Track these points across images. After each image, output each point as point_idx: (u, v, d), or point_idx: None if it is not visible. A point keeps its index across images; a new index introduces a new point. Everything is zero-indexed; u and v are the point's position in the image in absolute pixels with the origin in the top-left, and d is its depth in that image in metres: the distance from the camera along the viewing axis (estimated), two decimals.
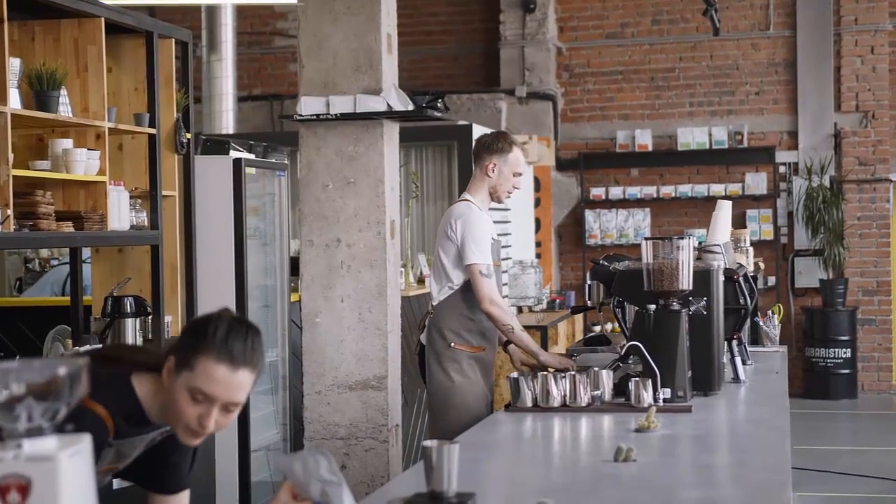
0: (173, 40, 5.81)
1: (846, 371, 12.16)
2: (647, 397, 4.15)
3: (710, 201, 12.43)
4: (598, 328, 12.29)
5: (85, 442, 1.78)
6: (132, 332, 5.35)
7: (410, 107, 5.67)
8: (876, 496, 8.04)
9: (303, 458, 2.52)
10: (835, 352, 12.12)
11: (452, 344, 5.14)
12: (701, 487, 3.07)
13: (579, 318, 11.11)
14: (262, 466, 6.57)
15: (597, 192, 12.83)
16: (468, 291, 5.12)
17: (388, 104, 5.61)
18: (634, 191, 12.75)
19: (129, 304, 5.35)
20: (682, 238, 4.39)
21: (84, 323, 5.52)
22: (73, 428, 2.14)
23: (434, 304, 5.26)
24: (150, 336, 5.53)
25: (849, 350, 12.14)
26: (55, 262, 8.70)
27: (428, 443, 2.73)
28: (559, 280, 12.93)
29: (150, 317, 5.50)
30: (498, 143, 5.25)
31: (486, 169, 5.21)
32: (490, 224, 5.24)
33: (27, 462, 1.70)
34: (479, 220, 5.13)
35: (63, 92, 4.86)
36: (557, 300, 10.99)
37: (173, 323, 5.77)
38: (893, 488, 8.21)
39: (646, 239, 4.44)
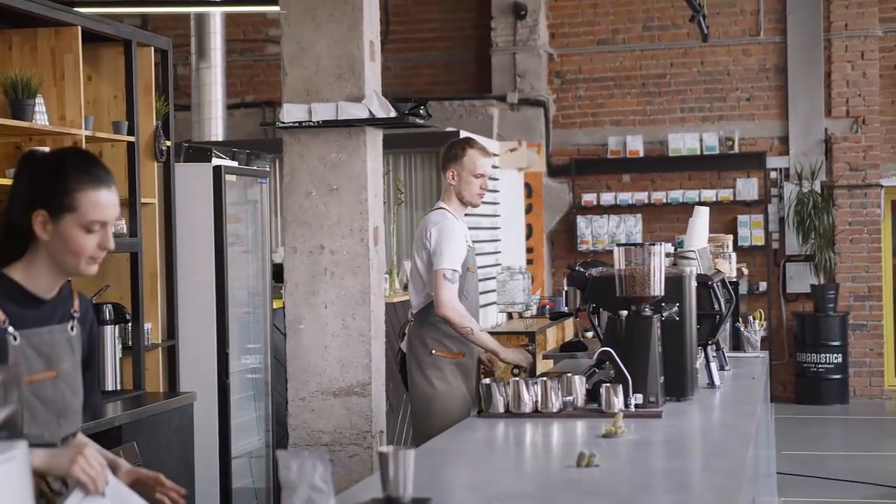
0: (152, 48, 5.83)
1: (837, 376, 12.17)
2: (618, 403, 4.16)
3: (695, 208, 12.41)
4: (590, 334, 12.30)
5: (20, 449, 1.79)
6: (111, 339, 5.36)
7: (392, 114, 5.68)
8: (866, 501, 8.05)
9: (302, 458, 2.55)
10: (826, 357, 12.13)
11: (434, 351, 5.22)
12: (657, 492, 3.08)
13: (569, 323, 11.12)
14: (244, 473, 6.58)
15: (588, 198, 12.85)
16: None
17: (370, 111, 5.63)
18: (626, 197, 12.77)
19: (108, 312, 5.36)
20: (654, 244, 4.40)
21: None
22: None
23: (414, 311, 5.34)
24: (129, 343, 5.54)
25: (840, 355, 12.15)
26: None
27: (383, 449, 2.75)
28: (551, 286, 12.95)
29: (129, 324, 5.51)
30: (452, 150, 5.38)
31: (448, 177, 5.35)
32: (464, 231, 5.30)
33: None
34: (454, 228, 5.22)
35: (39, 100, 4.88)
36: (548, 306, 11.00)
37: (153, 330, 5.78)
38: (884, 493, 8.22)
39: (618, 245, 4.45)
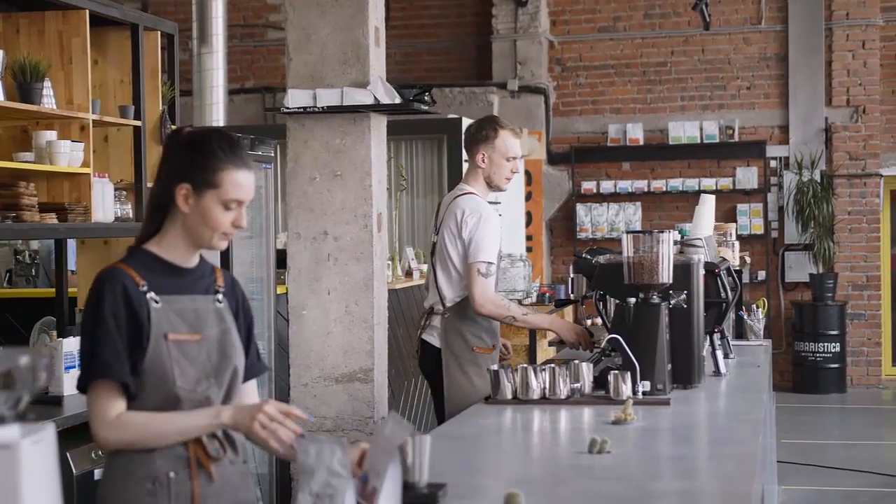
0: (159, 32, 5.81)
1: (835, 365, 12.20)
2: (626, 390, 4.17)
3: (700, 196, 12.43)
4: (589, 321, 12.31)
5: (47, 431, 1.79)
6: None
7: (397, 100, 5.67)
8: (864, 490, 8.07)
9: (320, 443, 2.56)
10: (824, 346, 12.16)
11: (475, 348, 5.04)
12: (670, 478, 3.09)
13: (569, 311, 11.14)
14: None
15: (588, 185, 12.85)
16: None
17: (375, 97, 5.62)
18: (626, 185, 12.77)
19: None
20: (663, 232, 4.40)
21: (69, 314, 5.54)
22: (96, 283, 2.77)
23: (447, 304, 5.09)
24: None
25: (838, 344, 12.18)
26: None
27: None
28: (550, 273, 12.96)
29: None
30: (482, 130, 5.13)
31: (477, 160, 5.11)
32: (497, 220, 5.13)
33: None
34: (491, 218, 5.00)
35: (47, 84, 4.87)
36: (548, 294, 11.01)
37: None
38: (881, 482, 8.25)
39: (627, 232, 4.45)
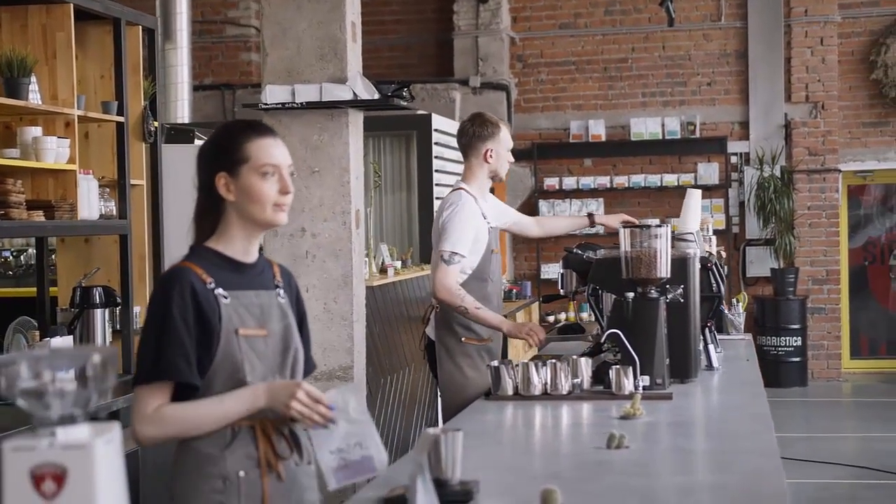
0: (140, 27, 5.73)
1: (797, 359, 12.31)
2: (629, 385, 4.16)
3: (662, 191, 12.54)
4: (551, 318, 12.34)
5: (115, 430, 1.76)
6: (101, 322, 5.28)
7: (376, 96, 5.64)
8: (827, 482, 8.15)
9: (330, 397, 2.55)
10: (785, 340, 12.26)
11: (463, 339, 5.10)
12: (696, 473, 3.09)
13: (535, 307, 11.16)
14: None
15: (550, 182, 12.87)
16: (473, 283, 5.05)
17: (354, 93, 5.59)
18: (588, 181, 12.80)
19: (97, 295, 5.28)
20: (661, 226, 4.40)
21: (51, 314, 5.44)
22: (163, 283, 2.79)
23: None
24: (118, 327, 5.46)
25: (799, 338, 12.29)
26: (6, 253, 8.58)
27: (432, 430, 2.73)
28: (513, 270, 12.97)
29: (118, 307, 5.43)
30: (486, 127, 5.23)
31: (485, 156, 5.22)
32: (484, 211, 5.18)
33: (62, 450, 1.68)
34: (467, 209, 5.07)
35: (33, 79, 4.78)
36: (514, 290, 11.03)
37: (142, 313, 5.70)
38: (845, 474, 8.34)
39: (624, 227, 4.44)
